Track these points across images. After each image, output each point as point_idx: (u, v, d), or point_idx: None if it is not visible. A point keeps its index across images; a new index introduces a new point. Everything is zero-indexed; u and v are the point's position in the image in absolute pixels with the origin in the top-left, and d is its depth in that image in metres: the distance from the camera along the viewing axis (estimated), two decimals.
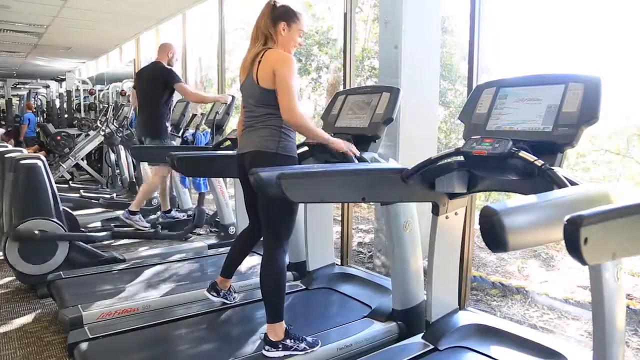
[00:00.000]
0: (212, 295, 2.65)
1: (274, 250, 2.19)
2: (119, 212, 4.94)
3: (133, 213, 4.34)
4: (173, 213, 4.77)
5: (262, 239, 2.37)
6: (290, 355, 2.12)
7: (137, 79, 4.57)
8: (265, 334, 2.16)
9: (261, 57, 2.16)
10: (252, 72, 2.18)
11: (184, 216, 4.76)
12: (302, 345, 2.16)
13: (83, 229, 4.32)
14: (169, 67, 4.24)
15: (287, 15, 2.19)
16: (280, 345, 2.12)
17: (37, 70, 11.84)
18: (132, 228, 4.32)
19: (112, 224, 4.60)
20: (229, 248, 2.66)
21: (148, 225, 4.38)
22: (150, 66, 4.38)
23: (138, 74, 4.64)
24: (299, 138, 2.43)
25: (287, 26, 2.19)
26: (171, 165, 2.81)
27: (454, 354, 2.15)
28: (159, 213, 4.92)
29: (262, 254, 2.23)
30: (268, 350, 2.12)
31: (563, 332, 3.05)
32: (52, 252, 3.26)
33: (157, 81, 4.18)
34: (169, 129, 4.40)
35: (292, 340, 2.15)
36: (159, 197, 4.87)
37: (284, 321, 2.17)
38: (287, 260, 2.25)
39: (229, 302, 2.68)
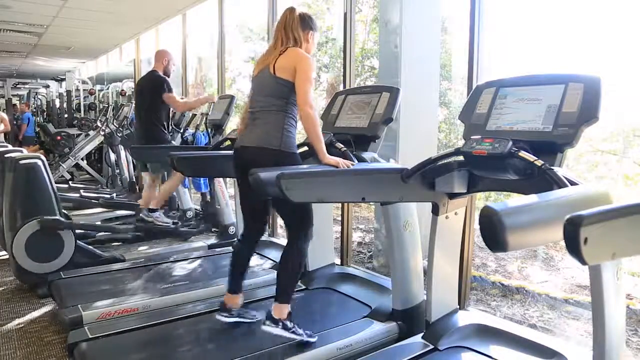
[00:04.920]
0: (224, 316, 2.43)
1: (296, 235, 2.28)
2: (119, 212, 4.94)
3: (152, 210, 4.32)
4: (157, 214, 4.44)
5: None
6: (288, 337, 2.20)
7: (136, 89, 4.57)
8: (269, 311, 2.22)
9: (282, 52, 2.25)
10: (270, 64, 2.25)
11: (169, 223, 4.47)
12: (300, 331, 2.24)
13: (82, 230, 4.33)
14: (162, 76, 4.23)
15: (315, 26, 2.36)
16: (280, 324, 2.20)
17: (37, 70, 11.82)
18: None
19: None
20: (229, 248, 2.64)
21: (169, 221, 4.39)
22: (147, 75, 4.37)
23: (137, 84, 4.64)
24: (299, 138, 2.43)
25: (312, 35, 2.34)
26: (171, 165, 2.81)
27: (454, 354, 2.15)
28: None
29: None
30: (268, 325, 2.21)
31: (563, 332, 3.05)
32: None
33: (149, 92, 4.17)
34: (168, 136, 4.39)
35: (292, 324, 2.23)
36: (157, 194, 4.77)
37: (289, 306, 2.24)
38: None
39: (248, 319, 2.45)
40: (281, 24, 2.30)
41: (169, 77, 4.32)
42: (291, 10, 2.32)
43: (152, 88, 4.18)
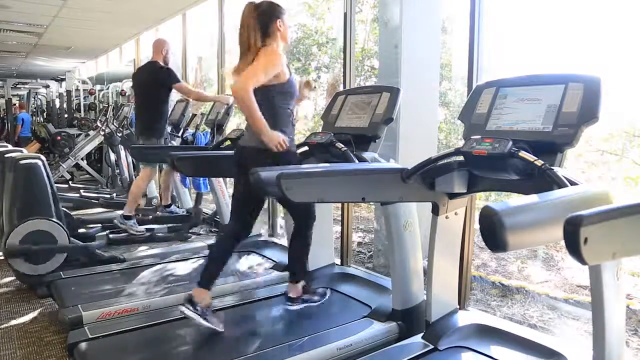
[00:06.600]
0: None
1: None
2: (119, 212, 4.94)
3: (127, 218, 4.25)
4: (172, 208, 4.76)
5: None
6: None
7: (134, 79, 4.56)
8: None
9: (254, 57, 2.25)
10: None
11: (183, 211, 4.75)
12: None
13: (83, 229, 4.33)
14: (166, 67, 4.21)
15: (280, 11, 2.31)
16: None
17: (37, 70, 11.84)
18: (127, 233, 4.24)
19: (107, 231, 4.36)
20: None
21: (142, 229, 4.31)
22: (147, 66, 4.34)
23: (135, 74, 4.62)
24: (299, 139, 2.44)
25: (281, 22, 2.31)
26: (171, 165, 2.82)
27: (454, 354, 2.15)
28: (159, 208, 4.93)
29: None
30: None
31: (563, 332, 3.04)
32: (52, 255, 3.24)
33: (155, 82, 4.16)
34: (167, 129, 4.40)
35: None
36: (161, 191, 4.88)
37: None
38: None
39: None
40: (245, 24, 2.26)
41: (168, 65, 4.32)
42: (250, 7, 2.27)
43: (155, 80, 4.15)
